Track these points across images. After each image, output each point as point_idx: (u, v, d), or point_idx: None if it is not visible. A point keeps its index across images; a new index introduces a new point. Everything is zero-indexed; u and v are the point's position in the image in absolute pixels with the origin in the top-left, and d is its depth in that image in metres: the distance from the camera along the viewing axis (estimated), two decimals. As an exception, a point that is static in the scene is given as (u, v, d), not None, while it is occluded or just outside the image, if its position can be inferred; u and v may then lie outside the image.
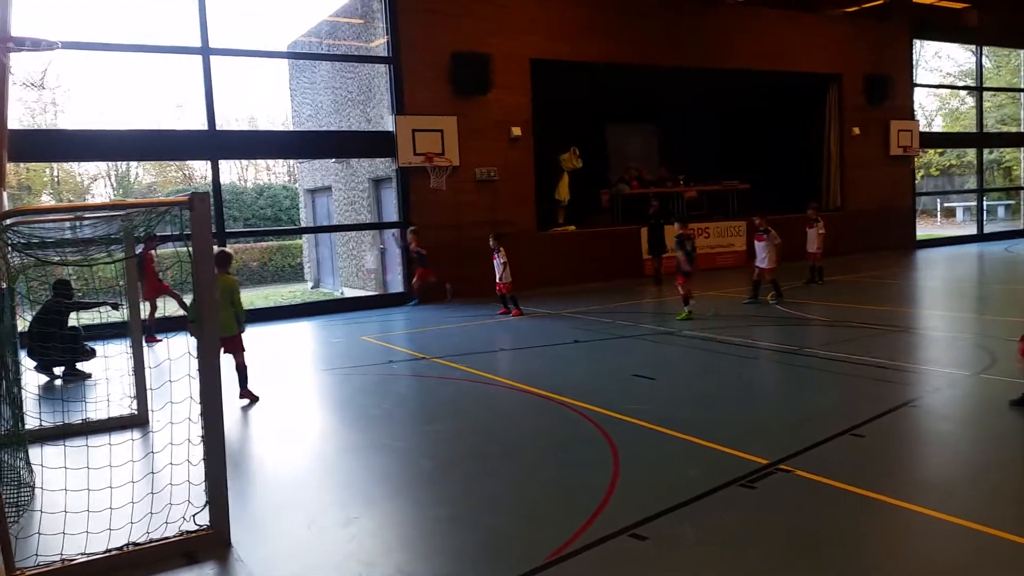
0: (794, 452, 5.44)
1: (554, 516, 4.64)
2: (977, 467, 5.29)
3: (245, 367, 7.84)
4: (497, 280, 13.03)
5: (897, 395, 6.97)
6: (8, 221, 5.59)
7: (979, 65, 27.19)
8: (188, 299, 8.42)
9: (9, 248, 5.73)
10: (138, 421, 7.08)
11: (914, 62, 23.93)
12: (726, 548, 4.14)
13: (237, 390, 7.79)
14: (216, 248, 7.09)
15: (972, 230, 27.52)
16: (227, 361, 6.99)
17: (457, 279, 15.51)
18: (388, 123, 15.28)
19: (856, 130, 21.56)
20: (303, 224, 24.16)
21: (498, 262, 12.93)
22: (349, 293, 19.01)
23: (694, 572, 3.91)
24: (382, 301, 15.78)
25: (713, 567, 3.96)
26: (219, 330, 6.51)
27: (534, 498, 5.00)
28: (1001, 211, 36.67)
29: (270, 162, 37.18)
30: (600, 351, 9.84)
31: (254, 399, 7.87)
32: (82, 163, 29.81)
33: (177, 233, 4.86)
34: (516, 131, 16.14)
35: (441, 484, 5.33)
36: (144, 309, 11.78)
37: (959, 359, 8.47)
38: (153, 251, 11.69)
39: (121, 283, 7.85)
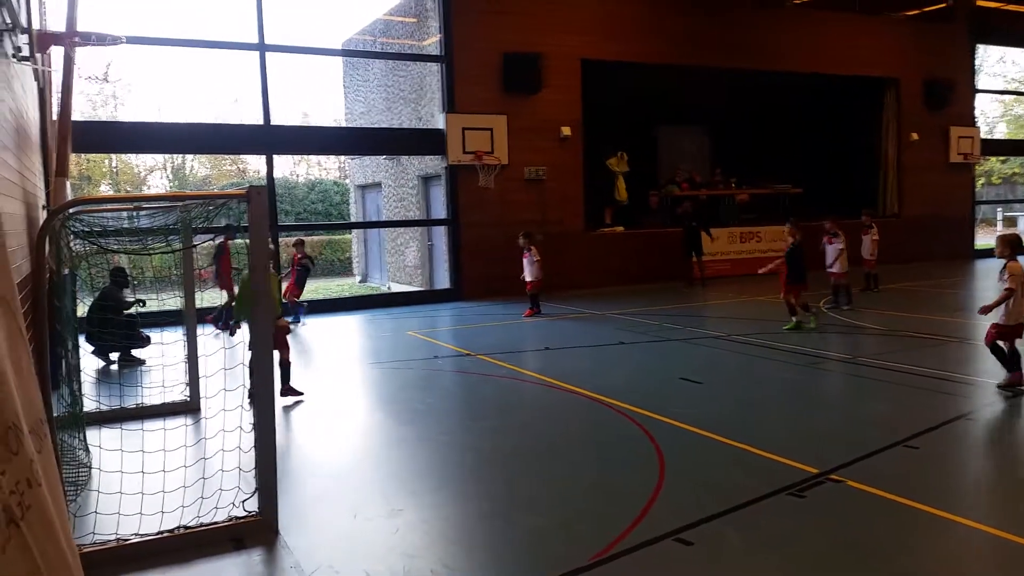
0: (846, 462, 5.32)
1: (597, 517, 4.61)
2: (1036, 484, 5.12)
3: (288, 363, 7.70)
4: (527, 279, 13.01)
5: (952, 407, 6.78)
6: (72, 210, 5.77)
7: (1046, 70, 26.31)
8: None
9: (72, 236, 5.92)
10: (191, 407, 7.25)
11: (976, 67, 23.25)
12: (773, 556, 4.07)
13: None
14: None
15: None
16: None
17: (503, 278, 15.52)
18: (439, 121, 15.38)
19: (915, 136, 21.03)
20: (353, 219, 24.45)
21: (529, 260, 12.95)
22: (396, 288, 19.18)
23: (740, 579, 3.85)
24: (428, 297, 15.89)
25: (758, 574, 3.89)
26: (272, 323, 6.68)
27: (577, 498, 4.98)
28: (1064, 222, 35.42)
29: (322, 158, 37.73)
30: (646, 353, 9.76)
31: (297, 395, 7.68)
32: (140, 155, 30.59)
33: (235, 224, 4.96)
34: (566, 131, 16.11)
35: (485, 480, 5.35)
36: (211, 298, 12.21)
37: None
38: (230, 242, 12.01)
39: (177, 273, 8.02)
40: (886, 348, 9.49)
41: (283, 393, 7.51)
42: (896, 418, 6.53)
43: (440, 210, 16.33)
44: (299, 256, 12.84)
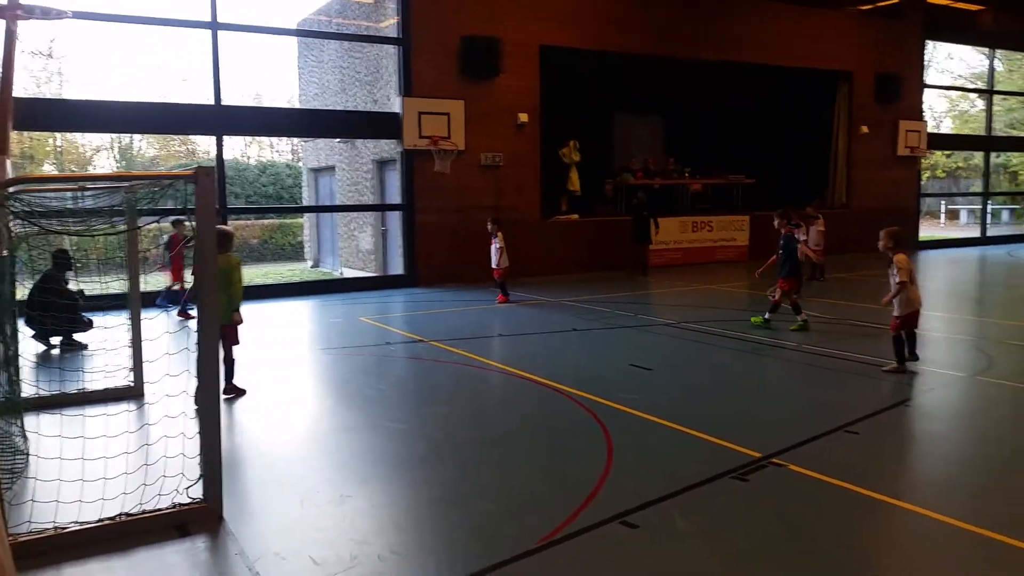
0: (787, 447, 5.45)
1: (546, 502, 4.65)
2: (968, 467, 5.30)
3: (233, 360, 7.18)
4: (493, 265, 12.96)
5: (893, 394, 6.98)
6: (12, 189, 5.59)
7: (991, 68, 27.08)
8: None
9: (11, 216, 5.74)
10: (134, 393, 7.10)
11: (925, 63, 23.80)
12: (716, 538, 4.16)
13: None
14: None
15: (975, 233, 27.48)
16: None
17: (458, 264, 15.52)
18: (395, 105, 15.23)
19: (865, 129, 21.48)
20: (305, 203, 24.14)
21: (495, 247, 12.85)
22: (349, 273, 19.01)
23: (683, 560, 3.92)
24: (382, 283, 15.78)
25: (702, 556, 3.97)
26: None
27: (527, 483, 5.01)
28: (1005, 215, 36.60)
29: (274, 140, 37.09)
30: (598, 340, 9.84)
31: (239, 393, 7.22)
32: (85, 134, 29.74)
33: (180, 207, 4.86)
34: (523, 117, 16.08)
35: (436, 466, 5.35)
36: (155, 283, 11.97)
37: (956, 360, 8.47)
38: (182, 233, 11.78)
39: (121, 255, 7.83)
40: (830, 336, 9.71)
41: (226, 392, 6.95)
42: (837, 404, 6.70)
43: (395, 195, 16.20)
44: (180, 237, 12.09)
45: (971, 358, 8.56)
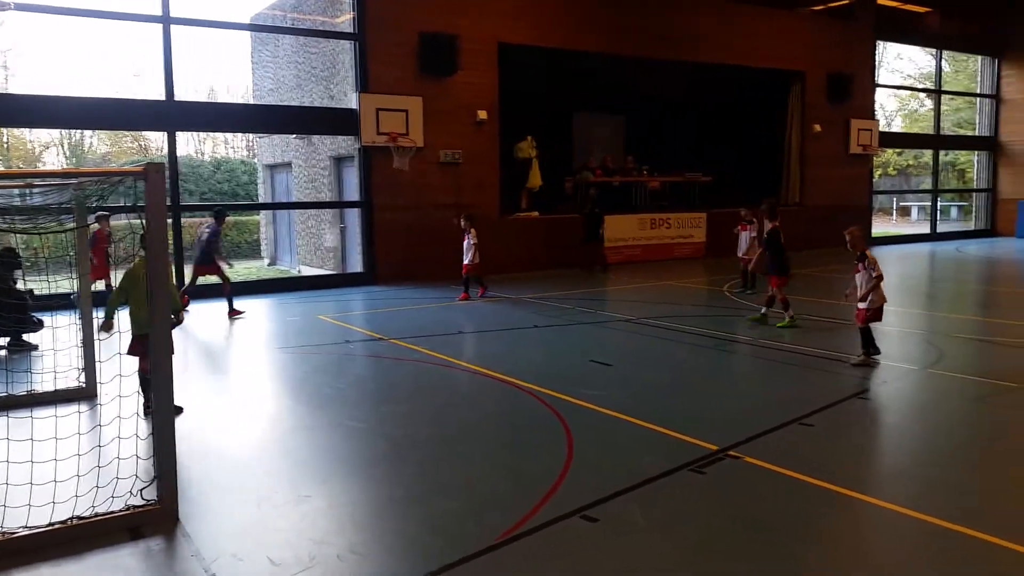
0: (743, 439, 5.54)
1: (507, 498, 4.66)
2: (920, 458, 5.44)
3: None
4: (465, 261, 12.84)
5: (847, 387, 7.12)
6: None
7: (939, 69, 27.78)
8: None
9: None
10: (86, 394, 6.93)
11: (876, 63, 24.32)
12: (674, 530, 4.21)
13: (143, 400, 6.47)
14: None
15: (925, 229, 28.17)
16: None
17: (417, 262, 15.45)
18: (352, 101, 15.10)
19: (817, 127, 21.88)
20: (261, 200, 23.80)
21: (468, 243, 12.72)
22: (307, 271, 18.81)
23: (642, 552, 3.96)
24: (340, 280, 15.64)
25: (661, 548, 4.01)
26: (144, 327, 6.17)
27: (488, 480, 5.01)
28: (954, 212, 37.59)
29: (229, 136, 36.53)
30: (559, 336, 9.88)
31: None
32: (34, 130, 28.95)
33: (130, 204, 4.75)
34: (482, 115, 16.06)
35: (396, 465, 5.32)
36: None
37: (908, 354, 8.68)
38: (106, 229, 11.37)
39: (71, 254, 7.64)
40: (785, 330, 9.86)
41: (147, 408, 6.27)
42: (792, 397, 6.83)
43: (353, 192, 16.06)
44: (105, 233, 11.56)
45: (922, 351, 8.78)
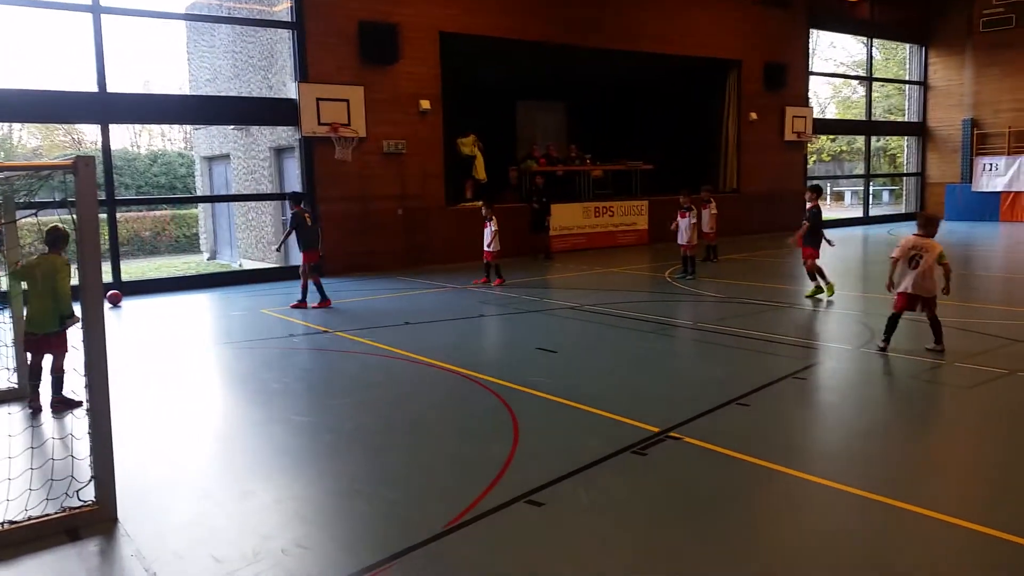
0: (683, 420, 5.68)
1: (454, 487, 4.69)
2: (854, 435, 5.65)
3: (63, 372, 6.40)
4: (485, 248, 13.22)
5: (782, 367, 7.33)
6: None
7: (869, 57, 28.55)
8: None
9: None
10: (18, 395, 6.73)
11: (810, 51, 24.90)
12: (618, 511, 4.30)
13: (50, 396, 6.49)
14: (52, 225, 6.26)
15: (859, 213, 29.02)
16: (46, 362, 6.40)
17: (363, 253, 15.34)
18: (291, 90, 14.87)
19: (753, 115, 22.31)
20: (199, 193, 23.30)
21: (489, 230, 13.16)
22: (248, 265, 18.49)
23: (587, 533, 4.04)
24: (283, 274, 15.42)
25: (605, 529, 4.10)
26: (35, 324, 6.10)
27: (435, 470, 5.04)
28: (886, 196, 38.81)
29: (165, 128, 35.62)
30: (505, 325, 9.94)
31: (71, 405, 6.36)
32: (-44, 123, 27.82)
33: (61, 199, 4.63)
34: (425, 104, 15.98)
35: (341, 458, 5.31)
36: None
37: (842, 334, 8.97)
38: None
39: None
40: (723, 314, 10.11)
41: (53, 406, 6.38)
42: (730, 378, 7.00)
43: (295, 183, 15.83)
44: None
45: (856, 332, 9.07)
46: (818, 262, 11.17)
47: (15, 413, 6.26)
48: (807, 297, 11.20)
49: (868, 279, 14.47)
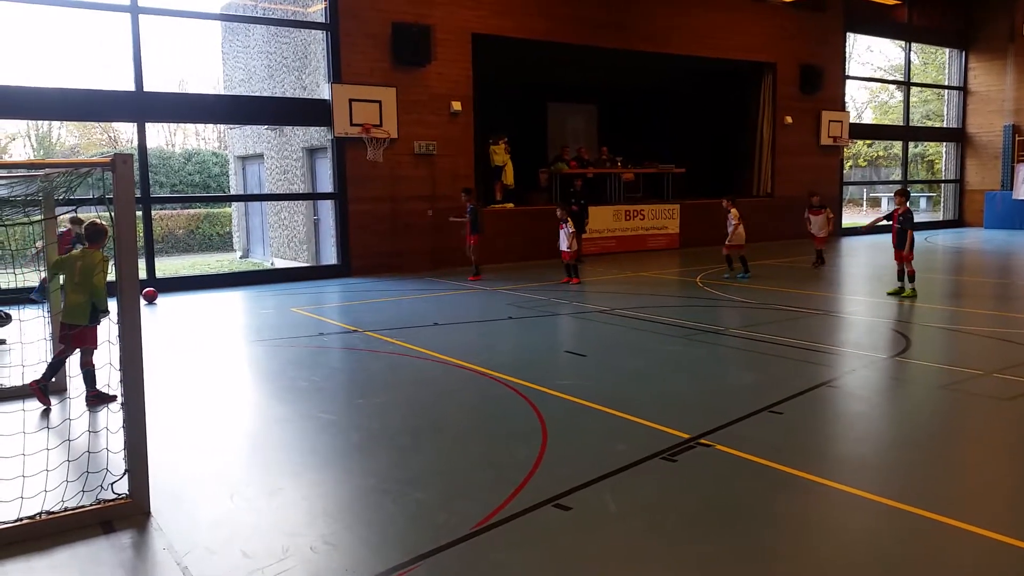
0: (714, 427, 5.61)
1: (481, 489, 4.68)
2: (888, 445, 5.55)
3: (93, 366, 6.53)
4: (564, 248, 13.62)
5: (816, 375, 7.23)
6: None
7: (907, 61, 28.11)
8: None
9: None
10: (55, 387, 6.84)
11: (847, 55, 24.57)
12: (646, 518, 4.26)
13: (85, 391, 6.60)
14: (89, 220, 6.36)
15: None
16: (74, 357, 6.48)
17: (392, 254, 15.42)
18: (324, 91, 14.99)
19: (789, 119, 22.07)
20: (233, 192, 23.58)
21: (565, 232, 13.55)
22: (280, 264, 18.68)
23: (614, 540, 4.01)
24: (314, 273, 15.56)
25: (633, 535, 4.06)
26: (69, 315, 6.18)
27: (462, 471, 5.03)
28: (923, 202, 38.15)
29: (200, 127, 36.11)
30: (534, 328, 9.92)
31: (107, 399, 6.46)
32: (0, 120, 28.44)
33: (99, 196, 4.69)
34: (456, 105, 16.03)
35: (369, 456, 5.32)
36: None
37: (877, 342, 8.82)
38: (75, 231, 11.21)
39: (39, 245, 7.53)
40: (757, 320, 9.99)
41: (88, 401, 6.47)
42: (762, 386, 6.91)
43: (327, 183, 15.97)
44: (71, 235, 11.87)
45: (891, 340, 8.92)
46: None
47: (54, 406, 6.37)
48: (892, 294, 11.80)
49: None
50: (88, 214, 12.55)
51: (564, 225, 13.63)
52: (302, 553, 3.89)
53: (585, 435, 5.63)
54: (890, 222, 11.98)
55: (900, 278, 11.76)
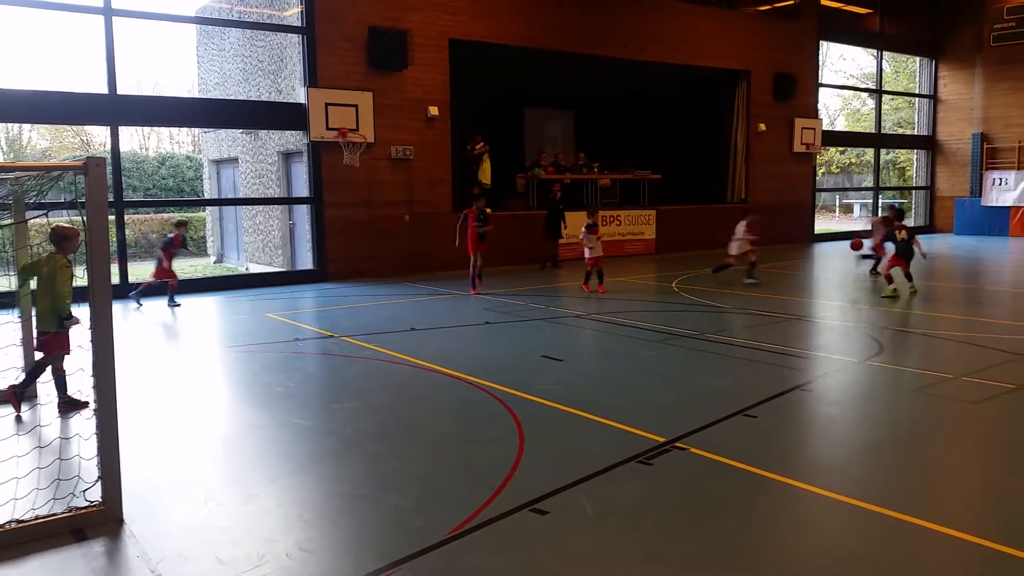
0: (690, 431, 5.65)
1: (458, 493, 4.68)
2: (861, 448, 5.62)
3: (64, 372, 6.36)
4: (587, 256, 13.20)
5: (789, 379, 7.31)
6: None
7: (879, 69, 28.52)
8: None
9: None
10: (27, 394, 6.74)
11: (820, 63, 24.89)
12: (623, 521, 4.28)
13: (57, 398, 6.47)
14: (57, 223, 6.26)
15: (868, 226, 28.90)
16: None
17: (369, 258, 15.37)
18: (300, 95, 14.93)
19: (762, 126, 22.30)
20: (207, 196, 23.38)
21: (587, 237, 13.33)
22: (255, 269, 18.54)
23: (592, 543, 4.02)
24: (290, 278, 15.46)
25: (610, 538, 4.08)
26: (40, 322, 6.12)
27: (438, 476, 5.03)
28: (893, 209, 38.66)
29: (174, 130, 35.79)
30: (510, 332, 9.93)
31: (78, 406, 6.38)
32: (-32, 123, 28.01)
33: (70, 200, 4.64)
34: (433, 110, 16.03)
35: (345, 462, 5.30)
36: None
37: (849, 347, 8.93)
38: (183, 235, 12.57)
39: (8, 251, 7.41)
40: (731, 325, 10.08)
41: (60, 408, 6.37)
42: (737, 389, 6.98)
43: (302, 188, 15.89)
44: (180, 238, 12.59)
45: (863, 344, 9.04)
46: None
47: (25, 412, 6.27)
48: (883, 297, 12.38)
49: (875, 292, 14.41)
50: (59, 218, 12.41)
51: (591, 235, 13.14)
52: (278, 559, 3.86)
53: (562, 439, 5.65)
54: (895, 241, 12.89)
55: (909, 279, 12.71)
